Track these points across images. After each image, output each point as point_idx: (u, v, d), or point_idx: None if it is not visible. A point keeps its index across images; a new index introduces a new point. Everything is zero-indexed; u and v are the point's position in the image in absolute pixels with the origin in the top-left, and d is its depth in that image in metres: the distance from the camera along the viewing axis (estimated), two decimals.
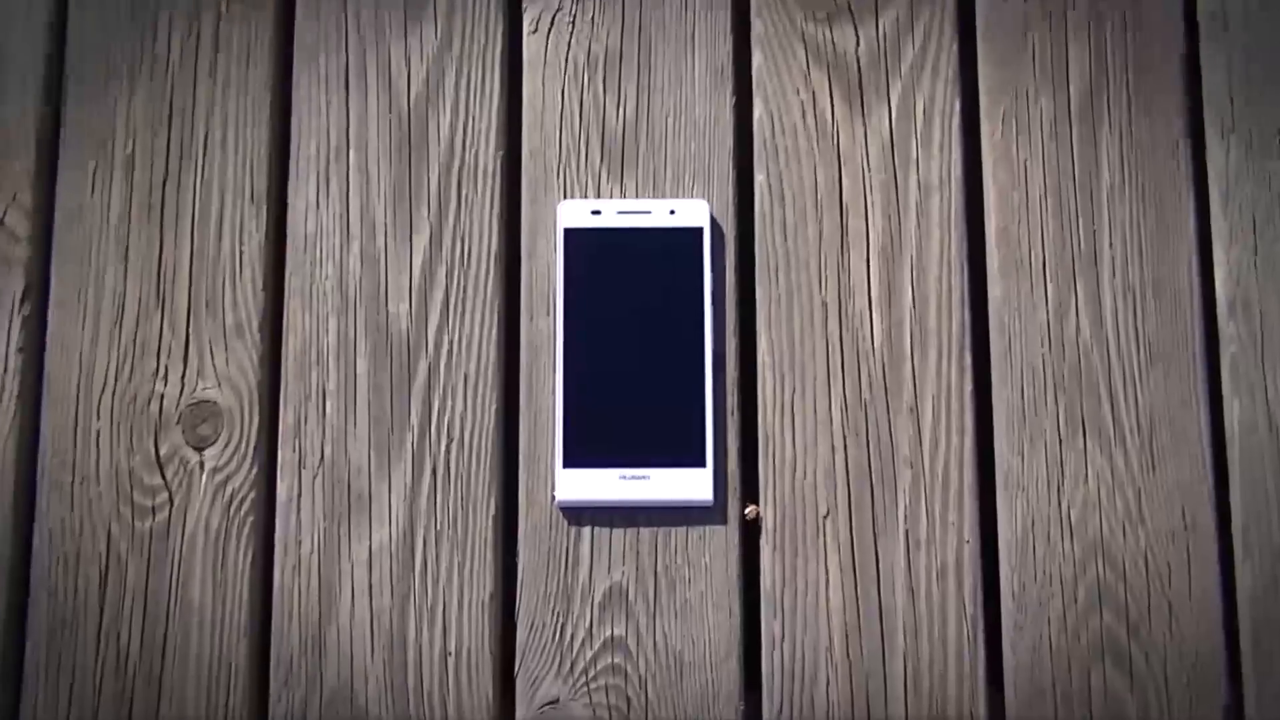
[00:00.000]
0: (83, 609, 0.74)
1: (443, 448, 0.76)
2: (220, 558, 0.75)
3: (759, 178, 0.79)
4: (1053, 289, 0.77)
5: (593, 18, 0.79)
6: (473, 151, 0.79)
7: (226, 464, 0.76)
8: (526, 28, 0.79)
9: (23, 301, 0.76)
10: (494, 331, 0.77)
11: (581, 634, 0.74)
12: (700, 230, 0.76)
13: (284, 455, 0.76)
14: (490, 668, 0.74)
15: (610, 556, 0.74)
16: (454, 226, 0.78)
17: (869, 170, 0.79)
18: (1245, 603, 0.73)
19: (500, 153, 0.79)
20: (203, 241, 0.78)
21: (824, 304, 0.77)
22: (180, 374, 0.77)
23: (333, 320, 0.77)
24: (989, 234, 0.79)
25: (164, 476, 0.75)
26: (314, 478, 0.75)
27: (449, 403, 0.76)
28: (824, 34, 0.78)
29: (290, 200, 0.79)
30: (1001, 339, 0.77)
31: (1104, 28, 0.78)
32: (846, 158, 0.79)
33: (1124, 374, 0.76)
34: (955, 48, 0.79)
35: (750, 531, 0.75)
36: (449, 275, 0.78)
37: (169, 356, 0.77)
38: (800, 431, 0.76)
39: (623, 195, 0.78)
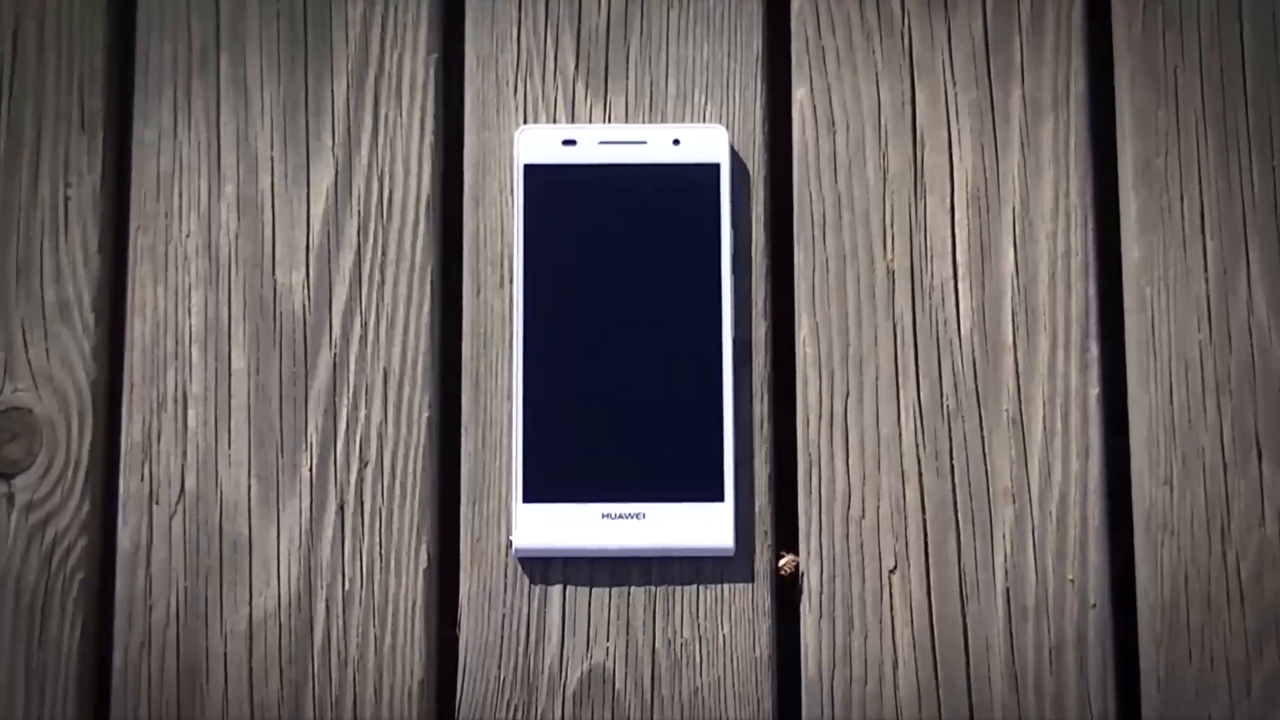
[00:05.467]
0: None
1: (353, 475, 0.75)
2: (36, 631, 0.74)
3: (798, 94, 0.78)
4: (1215, 250, 0.77)
5: None
6: (395, 55, 0.79)
7: (46, 498, 0.75)
8: None
9: None
10: (426, 310, 0.77)
11: None
12: (716, 168, 0.76)
13: (128, 486, 0.75)
14: None
15: (590, 627, 0.74)
16: (369, 162, 0.78)
17: (953, 84, 0.78)
18: None
19: (435, 57, 0.79)
20: (10, 185, 0.78)
21: (890, 273, 0.77)
22: None
23: (197, 295, 0.77)
24: (1124, 172, 0.78)
25: None
26: (171, 518, 0.75)
27: (362, 411, 0.76)
28: None
29: (136, 127, 0.78)
30: (1141, 321, 0.76)
31: None
32: (922, 66, 0.78)
33: None
34: None
35: (787, 592, 0.75)
36: (362, 231, 0.77)
37: None
38: (857, 452, 0.75)
39: (607, 119, 0.78)
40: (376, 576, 0.74)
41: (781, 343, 0.77)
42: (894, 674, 0.73)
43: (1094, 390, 0.75)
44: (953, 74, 0.78)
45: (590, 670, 0.73)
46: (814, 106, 0.78)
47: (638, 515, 0.74)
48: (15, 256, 0.77)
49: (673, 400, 0.74)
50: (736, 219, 0.77)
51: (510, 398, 0.75)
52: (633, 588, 0.74)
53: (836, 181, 0.77)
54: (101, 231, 0.77)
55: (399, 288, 0.76)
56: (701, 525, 0.74)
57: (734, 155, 0.77)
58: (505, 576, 0.74)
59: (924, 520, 0.75)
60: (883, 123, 0.78)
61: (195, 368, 0.76)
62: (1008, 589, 0.74)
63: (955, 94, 0.78)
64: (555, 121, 0.78)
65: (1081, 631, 0.73)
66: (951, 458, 0.75)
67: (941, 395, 0.76)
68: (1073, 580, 0.74)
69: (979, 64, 0.78)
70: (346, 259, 0.77)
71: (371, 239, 0.77)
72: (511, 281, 0.76)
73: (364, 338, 0.76)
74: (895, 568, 0.74)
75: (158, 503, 0.75)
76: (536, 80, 0.78)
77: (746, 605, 0.74)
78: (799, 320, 0.76)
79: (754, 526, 0.75)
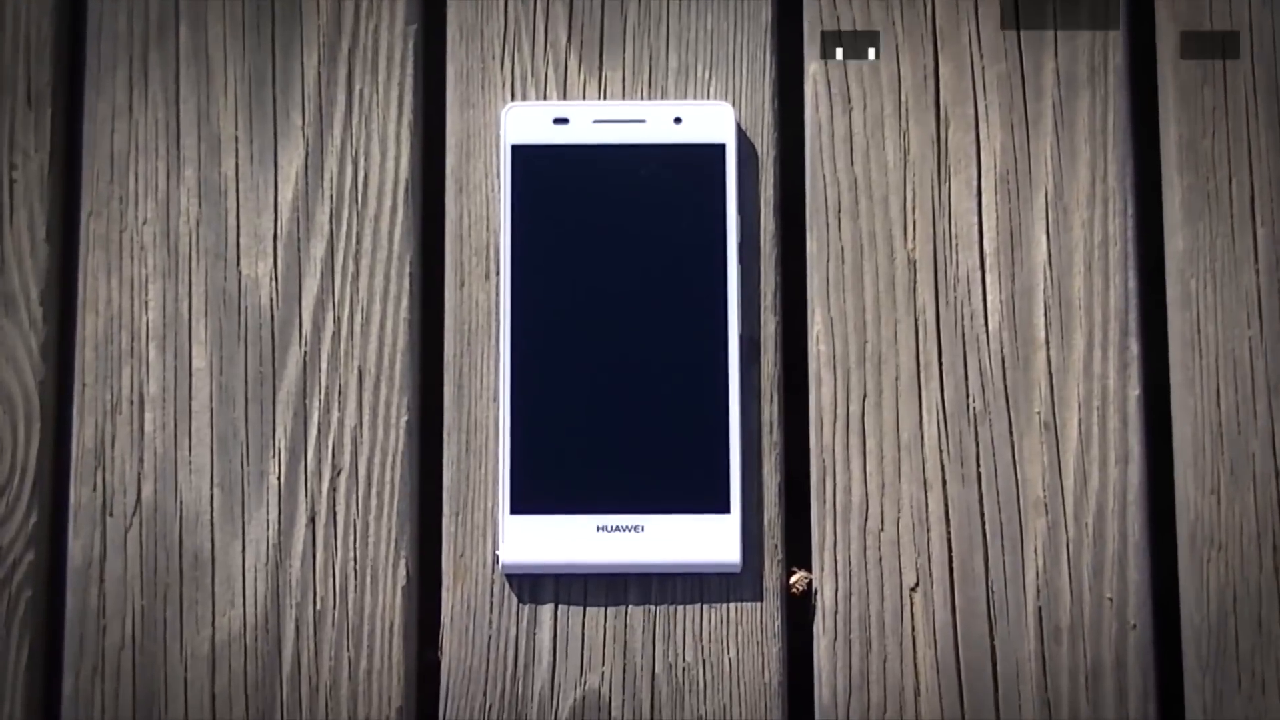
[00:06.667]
0: None
1: (325, 483, 0.75)
2: None
3: (811, 68, 0.78)
4: (1266, 239, 0.77)
5: None
6: (371, 25, 0.79)
7: None
8: None
9: None
10: (405, 304, 0.77)
11: None
12: (721, 149, 0.76)
13: (79, 496, 0.75)
14: None
15: (584, 649, 0.74)
16: (342, 143, 0.78)
17: (980, 56, 0.78)
18: None
19: (413, 27, 0.79)
20: None
21: (911, 263, 0.77)
22: None
23: (154, 288, 0.77)
24: (1166, 153, 0.78)
25: None
26: (126, 531, 0.75)
27: (335, 414, 0.76)
28: None
29: (87, 102, 0.79)
30: (1185, 316, 0.77)
31: None
32: (946, 36, 0.78)
33: None
34: None
35: (799, 612, 0.75)
36: (335, 217, 0.77)
37: None
38: (875, 458, 0.75)
39: (602, 95, 0.78)
40: (351, 594, 0.74)
41: (792, 340, 0.77)
42: (915, 701, 0.73)
43: (1134, 391, 0.75)
44: (979, 45, 0.78)
45: (584, 697, 0.73)
46: (828, 81, 0.77)
47: (636, 528, 0.73)
48: None
49: (674, 403, 0.74)
50: (743, 205, 0.76)
51: (497, 399, 0.75)
52: (630, 607, 0.74)
53: (853, 163, 0.77)
54: (50, 218, 0.77)
55: (375, 280, 0.76)
56: (705, 539, 0.73)
57: (741, 135, 0.77)
58: (491, 594, 0.74)
59: (948, 533, 0.74)
60: (903, 99, 0.77)
61: (152, 367, 0.76)
62: (1039, 608, 0.74)
63: (982, 67, 0.77)
64: (545, 98, 0.78)
65: (1120, 655, 0.73)
66: (978, 465, 0.75)
67: (967, 396, 0.75)
68: (1111, 599, 0.74)
69: (1008, 34, 0.78)
70: (318, 249, 0.76)
71: (345, 227, 0.77)
72: (498, 273, 0.76)
73: (337, 334, 0.76)
74: (917, 585, 0.74)
75: (112, 514, 0.75)
76: (525, 53, 0.78)
77: (754, 626, 0.74)
78: (811, 315, 0.76)
79: (762, 540, 0.74)
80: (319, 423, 0.75)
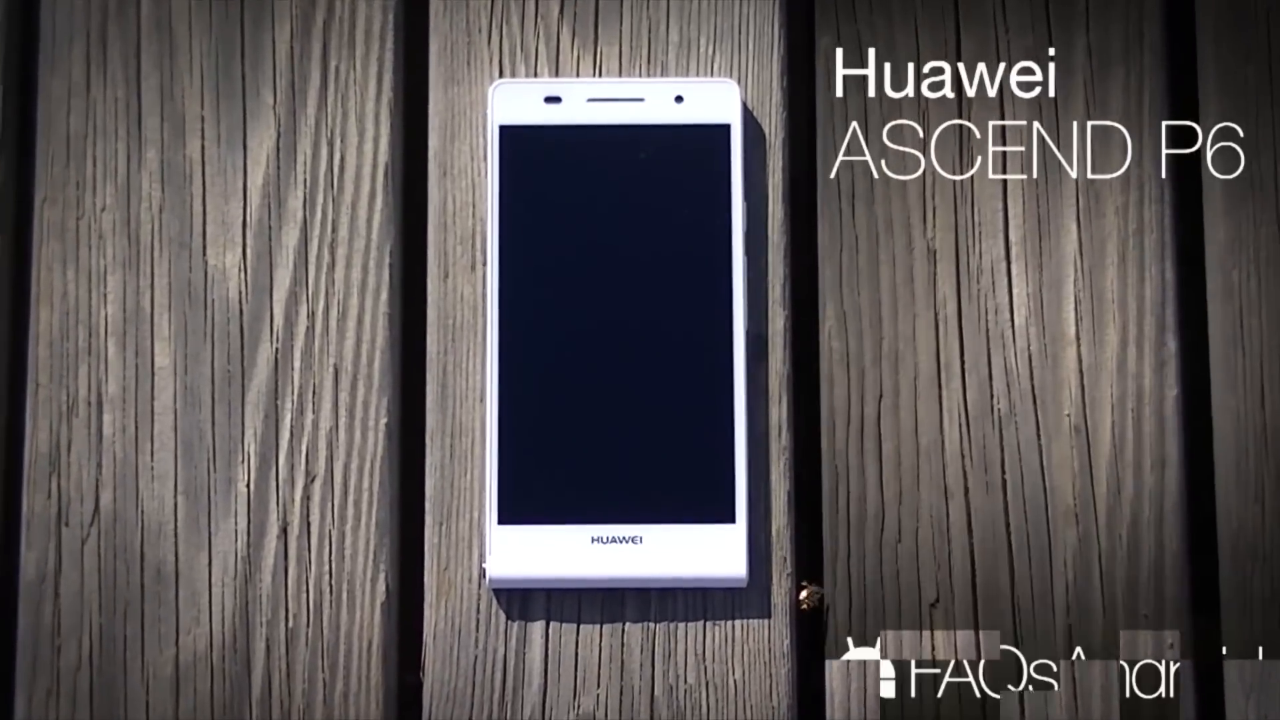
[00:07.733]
0: None
1: (299, 491, 0.75)
2: None
3: (823, 42, 0.78)
4: None
5: None
6: None
7: None
8: None
9: None
10: (384, 297, 0.77)
11: None
12: (726, 130, 0.76)
13: (33, 505, 0.76)
14: None
15: (578, 670, 0.74)
16: (317, 124, 0.78)
17: (1005, 29, 0.78)
18: None
19: None
20: None
21: (931, 252, 0.77)
22: None
23: (114, 280, 0.77)
24: (1206, 133, 0.77)
25: None
26: (83, 542, 0.75)
27: (309, 416, 0.76)
28: None
29: (42, 80, 0.79)
30: (1227, 310, 0.77)
31: None
32: (968, 7, 0.79)
33: None
34: None
35: (809, 629, 0.74)
36: (309, 204, 0.77)
37: None
38: (892, 464, 0.76)
39: (597, 72, 0.78)
40: (326, 611, 0.74)
41: (803, 336, 0.77)
42: None
43: (1171, 391, 0.75)
44: (1005, 16, 0.78)
45: None
46: (841, 57, 0.77)
47: (633, 539, 0.73)
48: None
49: (675, 404, 0.74)
50: (750, 190, 0.76)
51: (483, 400, 0.75)
52: (628, 624, 0.74)
53: (867, 147, 0.78)
54: (1, 205, 0.77)
55: (352, 271, 0.76)
56: (708, 551, 0.73)
57: (747, 114, 0.77)
58: (478, 611, 0.74)
59: (970, 545, 0.74)
60: (922, 78, 0.78)
61: (112, 365, 0.76)
62: (1070, 627, 0.74)
63: (1008, 41, 0.78)
64: (536, 75, 0.78)
65: (1159, 676, 0.73)
66: (1003, 471, 0.75)
67: (991, 397, 0.75)
68: (1147, 616, 0.74)
69: (1035, 5, 0.78)
70: (290, 237, 0.76)
71: (320, 214, 0.77)
72: (484, 264, 0.76)
73: (311, 330, 0.76)
74: (937, 601, 0.74)
75: (67, 524, 0.75)
76: (514, 26, 0.78)
77: (761, 645, 0.74)
78: (823, 309, 0.76)
79: (770, 552, 0.74)
80: (291, 425, 0.75)
